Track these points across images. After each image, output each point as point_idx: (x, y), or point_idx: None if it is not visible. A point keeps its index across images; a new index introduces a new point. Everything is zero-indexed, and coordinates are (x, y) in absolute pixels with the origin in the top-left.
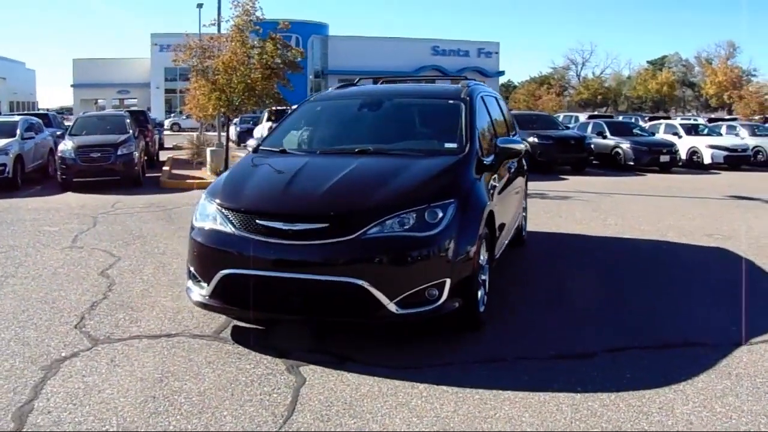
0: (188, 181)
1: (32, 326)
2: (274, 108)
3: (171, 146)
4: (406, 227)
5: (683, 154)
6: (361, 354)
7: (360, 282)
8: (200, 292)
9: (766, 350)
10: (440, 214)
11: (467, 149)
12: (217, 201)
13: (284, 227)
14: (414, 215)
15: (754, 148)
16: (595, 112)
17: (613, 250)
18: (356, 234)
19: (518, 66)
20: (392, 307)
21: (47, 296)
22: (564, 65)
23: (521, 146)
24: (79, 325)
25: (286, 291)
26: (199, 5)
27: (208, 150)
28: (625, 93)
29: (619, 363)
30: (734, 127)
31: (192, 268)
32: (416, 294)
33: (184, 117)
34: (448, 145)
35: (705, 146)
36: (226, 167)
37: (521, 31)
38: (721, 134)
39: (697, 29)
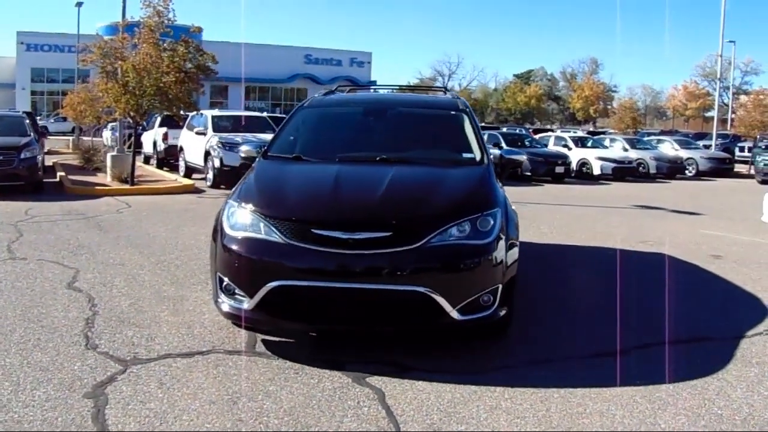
0: (97, 188)
1: (36, 348)
2: (166, 113)
3: (46, 150)
4: (463, 235)
5: (574, 166)
6: (416, 362)
7: (426, 290)
8: (238, 305)
9: (765, 341)
10: (492, 222)
11: (486, 160)
12: (258, 209)
13: (344, 236)
14: (469, 224)
15: (636, 160)
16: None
17: (568, 256)
18: (421, 242)
19: (388, 76)
20: (455, 314)
21: (26, 313)
22: (431, 76)
23: (523, 157)
24: (89, 345)
25: (347, 302)
26: (78, 4)
27: (108, 155)
28: (492, 105)
29: (654, 357)
30: (617, 140)
31: (227, 280)
32: (475, 301)
33: (52, 120)
34: (466, 155)
35: (594, 158)
36: (132, 175)
37: (391, 42)
38: (606, 147)
39: (561, 45)
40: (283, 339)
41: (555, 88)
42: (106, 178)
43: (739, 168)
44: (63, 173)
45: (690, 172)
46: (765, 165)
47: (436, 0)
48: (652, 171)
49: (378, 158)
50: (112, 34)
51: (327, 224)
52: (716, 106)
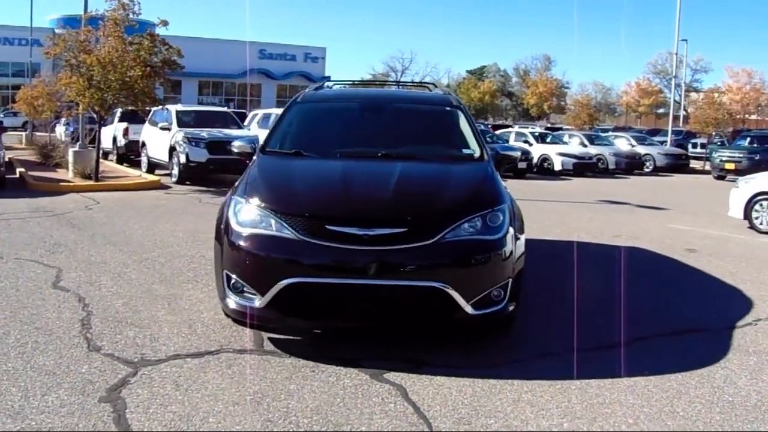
0: (61, 184)
1: (36, 351)
2: (127, 109)
3: None
4: (475, 231)
5: (535, 161)
6: (429, 358)
7: (441, 286)
8: (248, 303)
9: (756, 331)
10: (501, 218)
11: (486, 156)
12: (269, 205)
13: (360, 232)
14: (480, 219)
15: (596, 156)
16: None
17: (548, 251)
18: (436, 238)
19: (342, 72)
20: (469, 309)
21: (16, 315)
22: (384, 72)
23: (518, 154)
24: (92, 346)
25: (362, 298)
26: None
27: (70, 151)
28: None
29: (656, 348)
30: (576, 136)
31: (235, 278)
32: (487, 295)
33: (2, 115)
34: (466, 151)
35: (555, 154)
36: (97, 171)
37: (345, 37)
38: (565, 143)
39: (514, 42)
40: (290, 337)
41: (508, 84)
42: (67, 174)
43: (693, 164)
44: (23, 169)
45: (647, 167)
46: (721, 161)
47: None
48: (611, 166)
49: (379, 154)
50: (64, 26)
51: (342, 220)
52: (672, 103)
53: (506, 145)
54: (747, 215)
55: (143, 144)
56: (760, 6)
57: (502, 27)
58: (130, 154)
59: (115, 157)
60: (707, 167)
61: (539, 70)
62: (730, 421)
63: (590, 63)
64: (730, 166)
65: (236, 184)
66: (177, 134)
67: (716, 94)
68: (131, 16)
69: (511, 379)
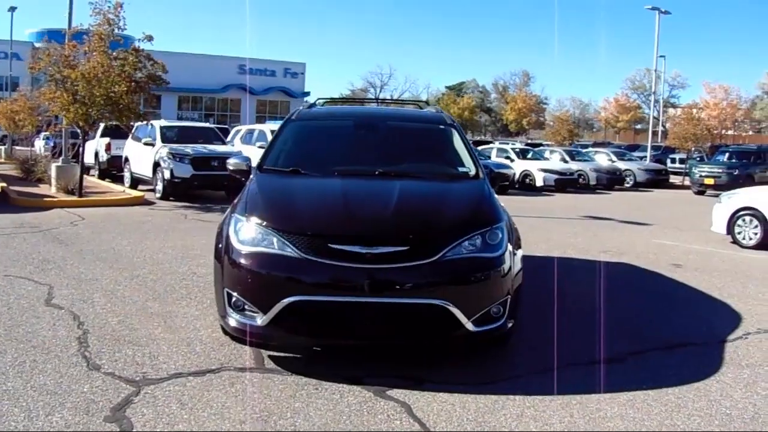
0: (45, 199)
1: (35, 371)
2: (109, 124)
3: None
4: (475, 249)
5: (517, 177)
6: (429, 374)
7: (443, 303)
8: (249, 321)
9: (747, 345)
10: (500, 236)
11: (481, 174)
12: (270, 224)
13: (362, 251)
14: (480, 237)
15: (577, 171)
16: None
17: (537, 267)
18: (438, 256)
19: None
20: (470, 326)
21: (11, 333)
22: (363, 88)
23: (512, 171)
24: (91, 365)
25: (365, 316)
26: (12, 8)
27: (53, 166)
28: None
29: (651, 363)
30: (557, 152)
31: (236, 296)
32: (486, 312)
33: None
34: (461, 169)
35: (537, 169)
36: (81, 186)
37: (324, 53)
38: (546, 158)
39: (493, 58)
40: (290, 355)
41: (487, 100)
42: (50, 190)
43: (673, 179)
44: (4, 184)
45: (628, 183)
46: (700, 176)
47: (368, 12)
48: (592, 182)
49: (377, 172)
50: (49, 40)
51: (344, 239)
52: (651, 119)
53: (499, 162)
54: (730, 230)
55: (126, 159)
56: (735, 23)
57: (480, 43)
58: (112, 169)
59: (97, 172)
60: (687, 182)
61: (518, 86)
62: None
63: (568, 79)
64: (710, 181)
65: (235, 201)
66: (161, 150)
67: (695, 110)
68: (116, 31)
69: (511, 395)
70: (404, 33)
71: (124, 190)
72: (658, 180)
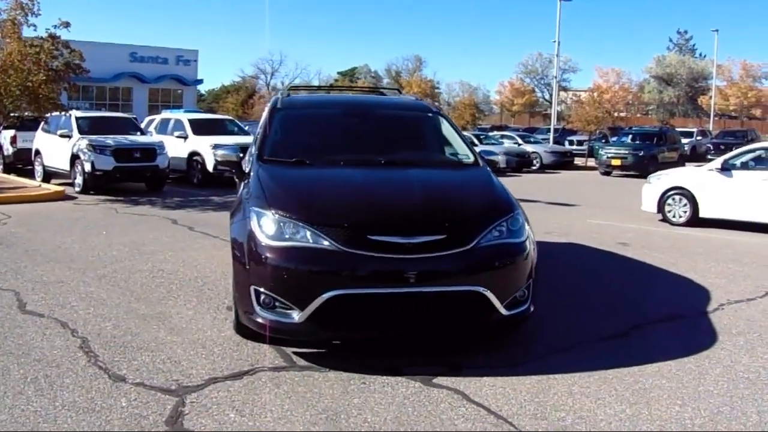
0: None
1: (54, 387)
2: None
3: None
4: (502, 235)
5: None
6: (462, 360)
7: (480, 289)
8: (282, 318)
9: (727, 316)
10: (520, 221)
11: (480, 161)
12: (300, 217)
13: (402, 241)
14: (506, 224)
15: (531, 153)
16: None
17: None
18: (473, 243)
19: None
20: (503, 310)
21: (1, 346)
22: (253, 74)
23: (499, 158)
24: (113, 376)
25: (406, 307)
26: None
27: None
28: None
29: (653, 336)
30: (512, 137)
31: (267, 293)
32: (515, 296)
33: None
34: (462, 157)
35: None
36: None
37: (215, 40)
38: (502, 143)
39: (384, 43)
40: (314, 350)
41: (380, 85)
42: None
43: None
44: None
45: (535, 165)
46: (607, 158)
47: None
48: (502, 165)
49: (382, 161)
50: None
51: (383, 229)
52: (554, 103)
53: (486, 150)
54: (660, 209)
55: (37, 152)
56: (624, 9)
57: (371, 28)
58: (19, 163)
59: (1, 166)
60: (589, 163)
61: (410, 71)
62: (757, 394)
63: (462, 63)
64: (617, 162)
65: (245, 195)
66: (80, 142)
67: (596, 94)
68: (30, 17)
69: (549, 374)
70: (293, 18)
71: (40, 185)
72: (563, 162)
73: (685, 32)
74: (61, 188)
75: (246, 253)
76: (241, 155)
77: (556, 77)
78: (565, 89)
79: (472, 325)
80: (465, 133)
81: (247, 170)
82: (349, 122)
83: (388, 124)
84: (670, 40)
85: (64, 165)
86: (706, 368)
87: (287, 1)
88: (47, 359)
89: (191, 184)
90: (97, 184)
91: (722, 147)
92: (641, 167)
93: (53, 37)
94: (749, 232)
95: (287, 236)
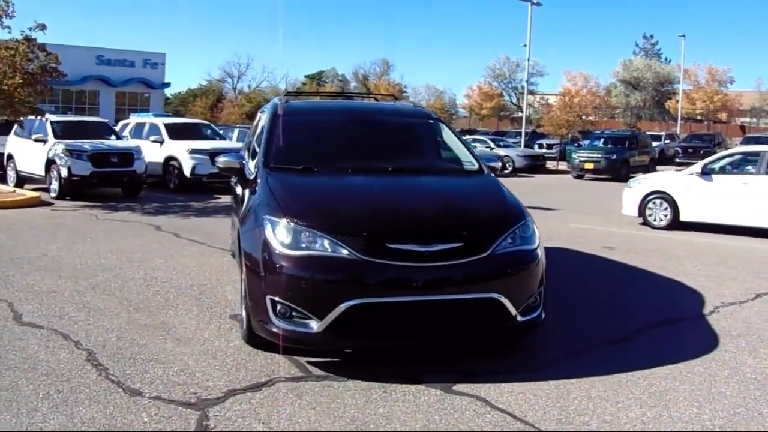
0: None
1: (69, 402)
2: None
3: None
4: (516, 242)
5: None
6: (475, 367)
7: (497, 296)
8: (300, 329)
9: (723, 318)
10: (531, 228)
11: (484, 168)
12: (317, 225)
13: (420, 249)
14: (517, 231)
15: (504, 157)
16: None
17: None
18: (490, 250)
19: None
20: (519, 317)
21: (4, 360)
22: (220, 78)
23: (499, 164)
24: (127, 390)
25: (425, 315)
26: None
27: None
28: None
29: (657, 339)
30: (484, 141)
31: (284, 303)
32: (528, 303)
33: None
34: (465, 163)
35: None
36: None
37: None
38: (474, 147)
39: (352, 47)
40: (327, 360)
41: (347, 89)
42: None
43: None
44: None
45: (507, 169)
46: (580, 161)
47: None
48: None
49: (390, 169)
50: None
51: (402, 237)
52: (524, 106)
53: (487, 156)
54: (641, 212)
55: (9, 156)
56: (591, 13)
57: (338, 32)
58: None
59: None
60: (560, 167)
61: (378, 75)
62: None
63: (427, 67)
64: (590, 165)
65: (255, 202)
66: (56, 146)
67: (567, 98)
68: (5, 19)
69: (565, 379)
70: (259, 21)
71: (14, 190)
72: (535, 165)
73: (651, 37)
74: (36, 194)
75: (261, 263)
76: (244, 163)
77: (527, 81)
78: (532, 93)
79: (490, 332)
80: None
81: (251, 177)
82: (353, 129)
83: (392, 131)
84: (637, 45)
85: (38, 170)
86: (714, 370)
87: (255, 4)
88: (56, 373)
89: (168, 189)
90: (73, 189)
91: (690, 150)
92: (614, 171)
93: (29, 39)
94: (729, 235)
95: (304, 245)
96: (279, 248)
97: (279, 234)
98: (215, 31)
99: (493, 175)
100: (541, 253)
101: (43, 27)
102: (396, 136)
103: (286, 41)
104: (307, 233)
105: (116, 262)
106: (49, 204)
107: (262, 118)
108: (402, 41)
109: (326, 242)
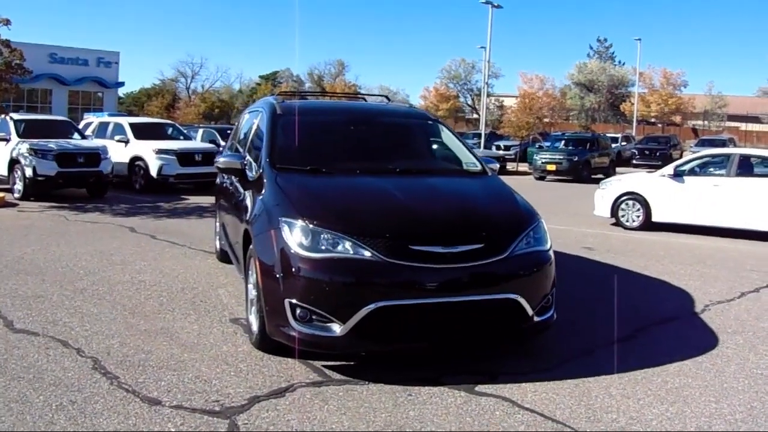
0: None
1: (87, 413)
2: None
3: None
4: (531, 243)
5: None
6: (494, 367)
7: (515, 297)
8: (321, 332)
9: (716, 316)
10: (543, 229)
11: (487, 169)
12: (338, 227)
13: (443, 251)
14: (532, 232)
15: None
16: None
17: None
18: (508, 252)
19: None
20: (535, 317)
21: (5, 369)
22: (173, 77)
23: (497, 165)
24: (145, 399)
25: (448, 316)
26: None
27: None
28: (238, 106)
29: (659, 337)
30: None
31: (304, 306)
32: (542, 303)
33: None
34: (469, 164)
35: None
36: None
37: (135, 42)
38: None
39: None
40: (343, 363)
41: (301, 89)
42: None
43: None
44: None
45: None
46: (542, 163)
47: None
48: None
49: (397, 170)
50: None
51: (425, 239)
52: (483, 108)
53: (486, 157)
54: (614, 213)
55: None
56: (546, 15)
57: (292, 32)
58: None
59: None
60: (520, 168)
61: (333, 75)
62: None
63: (382, 68)
64: (552, 167)
65: (266, 205)
66: (20, 146)
67: (527, 100)
68: None
69: (583, 377)
70: (212, 21)
71: None
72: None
73: (605, 40)
74: (1, 194)
75: (277, 266)
76: (245, 163)
77: (485, 82)
78: (488, 94)
79: (508, 332)
80: None
81: (254, 178)
82: (355, 130)
83: (394, 132)
84: (591, 48)
85: (1, 170)
86: (721, 366)
87: (207, 3)
88: (64, 383)
89: (133, 189)
90: (38, 190)
91: (647, 152)
92: (575, 172)
93: None
94: (700, 235)
95: (324, 247)
96: (298, 251)
97: (297, 236)
98: (168, 30)
99: (498, 176)
100: (552, 253)
101: (7, 22)
102: (399, 137)
103: (241, 41)
104: (328, 235)
105: (98, 265)
106: (14, 205)
107: (257, 118)
108: (358, 42)
109: (348, 244)
